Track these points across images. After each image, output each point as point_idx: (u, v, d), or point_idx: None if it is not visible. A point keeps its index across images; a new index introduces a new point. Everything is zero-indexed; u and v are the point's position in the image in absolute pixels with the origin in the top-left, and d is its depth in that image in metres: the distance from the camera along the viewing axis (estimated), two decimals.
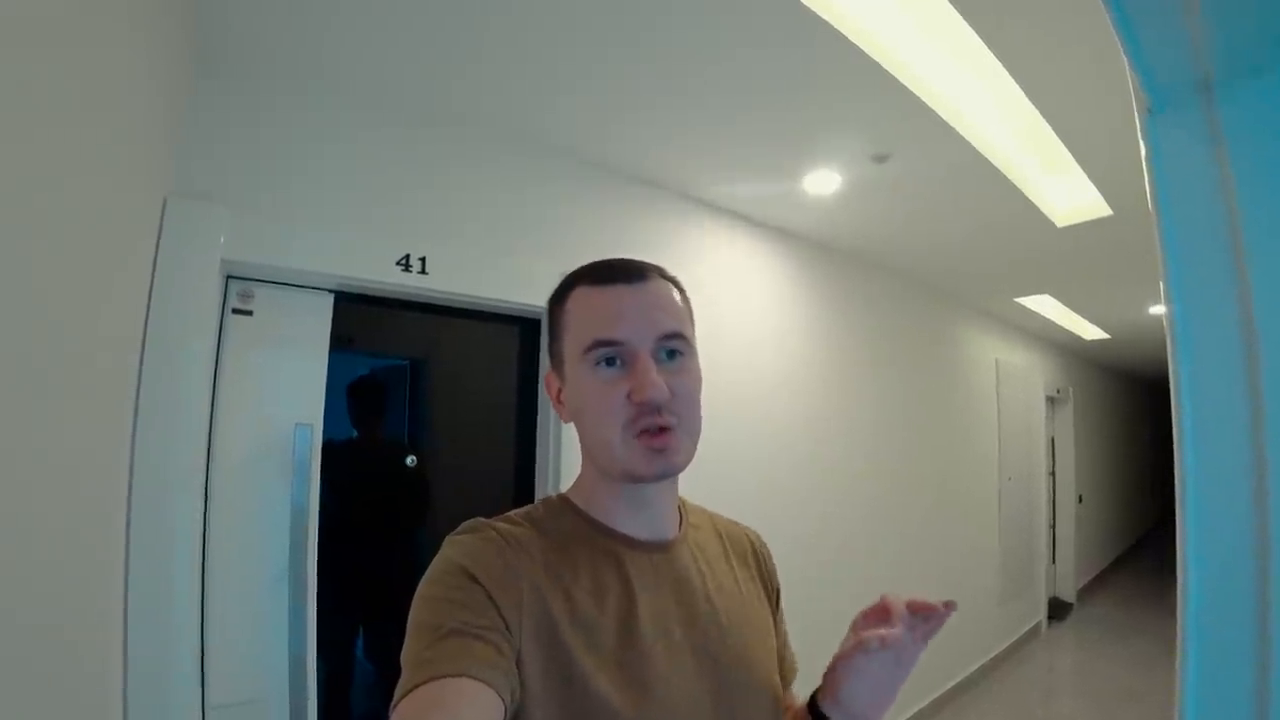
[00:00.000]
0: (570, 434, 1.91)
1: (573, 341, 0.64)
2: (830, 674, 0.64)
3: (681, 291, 0.69)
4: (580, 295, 0.65)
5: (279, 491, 1.54)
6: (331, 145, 1.64)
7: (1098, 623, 5.32)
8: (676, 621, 0.63)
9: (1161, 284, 0.60)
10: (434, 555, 0.60)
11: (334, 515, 2.56)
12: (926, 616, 0.59)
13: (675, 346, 0.64)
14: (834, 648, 0.64)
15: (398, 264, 1.66)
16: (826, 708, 0.64)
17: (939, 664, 3.60)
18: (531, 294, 1.90)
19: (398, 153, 1.74)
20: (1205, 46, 0.49)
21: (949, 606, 0.59)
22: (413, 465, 2.68)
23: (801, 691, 0.72)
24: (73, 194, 0.79)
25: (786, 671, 0.75)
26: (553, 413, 1.96)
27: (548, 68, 1.59)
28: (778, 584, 0.79)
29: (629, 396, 0.60)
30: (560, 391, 0.68)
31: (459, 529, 0.63)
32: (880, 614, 0.60)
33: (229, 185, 1.47)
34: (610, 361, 0.62)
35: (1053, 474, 5.70)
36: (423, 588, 0.57)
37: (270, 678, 1.49)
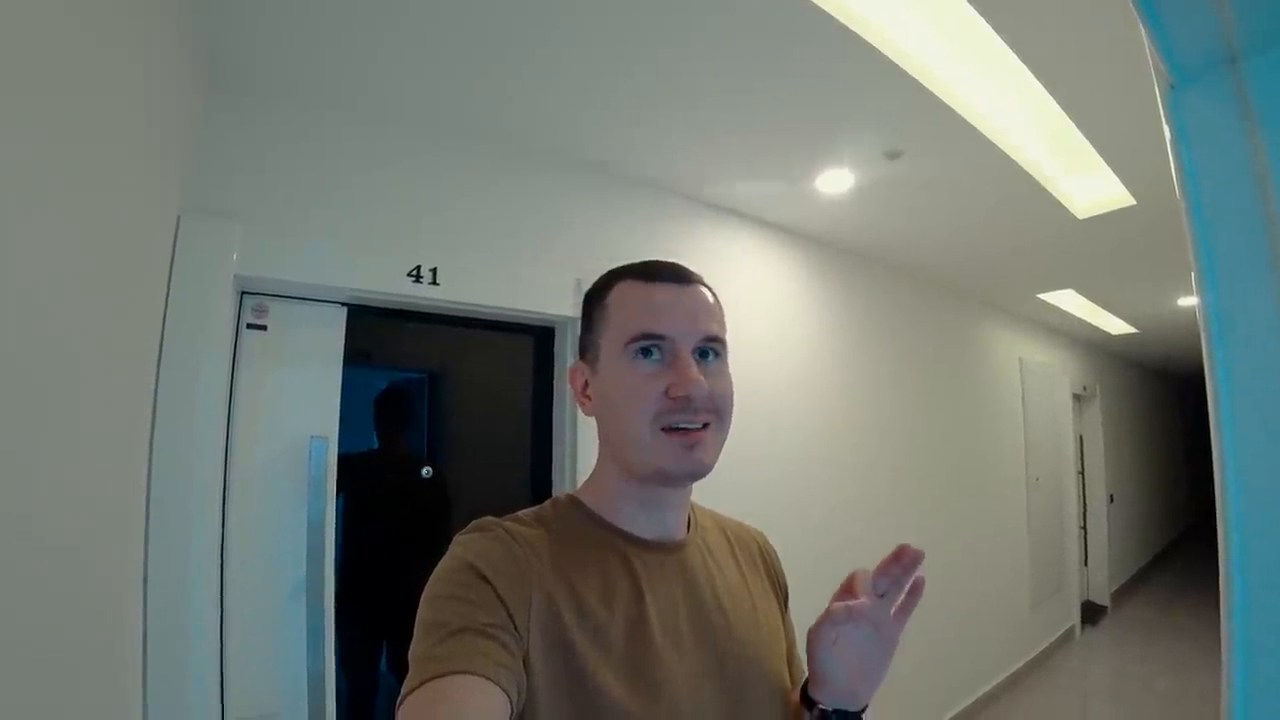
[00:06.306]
0: (586, 442, 1.92)
1: (614, 333, 0.65)
2: (808, 653, 0.63)
3: (718, 301, 0.70)
4: (625, 289, 0.66)
5: (296, 505, 1.54)
6: (342, 159, 1.65)
7: (1134, 626, 5.16)
8: (685, 622, 0.63)
9: (1193, 273, 0.57)
10: None
11: (356, 528, 2.58)
12: (901, 582, 0.58)
13: (715, 349, 0.65)
14: None
15: (408, 275, 1.66)
16: (811, 690, 0.63)
17: (969, 670, 3.52)
18: (543, 302, 1.89)
19: (407, 165, 1.75)
20: (1229, 15, 0.46)
21: (907, 554, 0.56)
22: (428, 476, 2.68)
23: None
24: (85, 215, 0.80)
25: (795, 672, 0.74)
26: (569, 421, 1.95)
27: (558, 78, 1.58)
28: (786, 585, 0.80)
29: (667, 391, 0.61)
30: (586, 385, 0.69)
31: (467, 528, 0.63)
32: (848, 589, 0.61)
33: (241, 201, 1.49)
34: (649, 354, 0.63)
35: (1082, 473, 5.56)
36: (431, 586, 0.57)
37: (289, 692, 1.49)
